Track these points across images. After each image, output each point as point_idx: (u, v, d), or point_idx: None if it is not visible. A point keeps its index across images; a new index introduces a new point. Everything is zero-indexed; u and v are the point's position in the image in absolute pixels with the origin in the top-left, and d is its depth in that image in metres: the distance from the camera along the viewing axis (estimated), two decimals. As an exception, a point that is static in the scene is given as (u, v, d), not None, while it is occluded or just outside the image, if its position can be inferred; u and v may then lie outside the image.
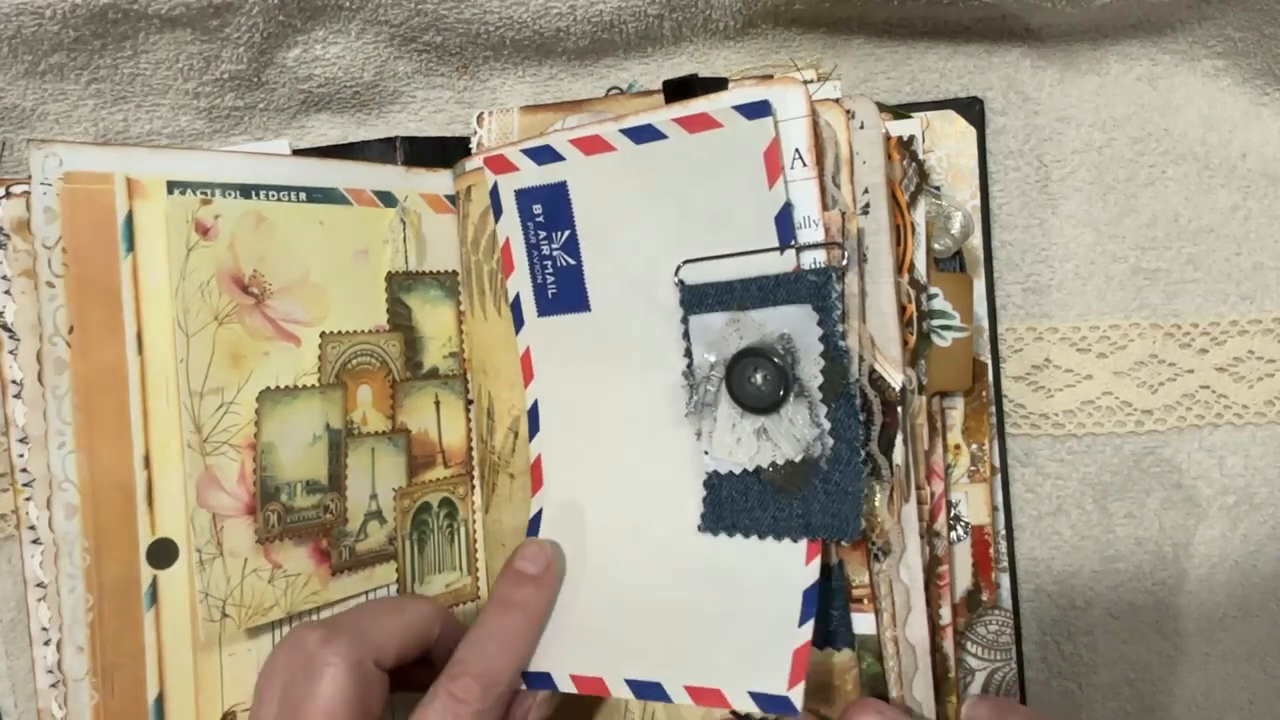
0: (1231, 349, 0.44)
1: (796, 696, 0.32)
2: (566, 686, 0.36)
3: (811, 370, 0.35)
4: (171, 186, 0.38)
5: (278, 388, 0.40)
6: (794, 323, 0.35)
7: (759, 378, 0.35)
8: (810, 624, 0.33)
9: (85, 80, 0.43)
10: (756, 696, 0.33)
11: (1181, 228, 0.44)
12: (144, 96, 0.44)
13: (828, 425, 0.34)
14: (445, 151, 0.45)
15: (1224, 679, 0.45)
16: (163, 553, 0.39)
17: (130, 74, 0.43)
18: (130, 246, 0.38)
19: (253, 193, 0.40)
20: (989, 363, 0.43)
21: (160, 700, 0.39)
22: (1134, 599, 0.45)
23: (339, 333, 0.42)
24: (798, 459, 0.35)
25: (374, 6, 0.43)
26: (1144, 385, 0.45)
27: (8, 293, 0.41)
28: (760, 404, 0.35)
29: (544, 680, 0.37)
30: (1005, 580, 0.43)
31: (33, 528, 0.42)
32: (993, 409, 0.43)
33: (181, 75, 0.44)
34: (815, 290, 0.34)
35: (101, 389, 0.38)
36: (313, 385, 0.41)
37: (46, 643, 0.42)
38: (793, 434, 0.35)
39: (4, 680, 0.45)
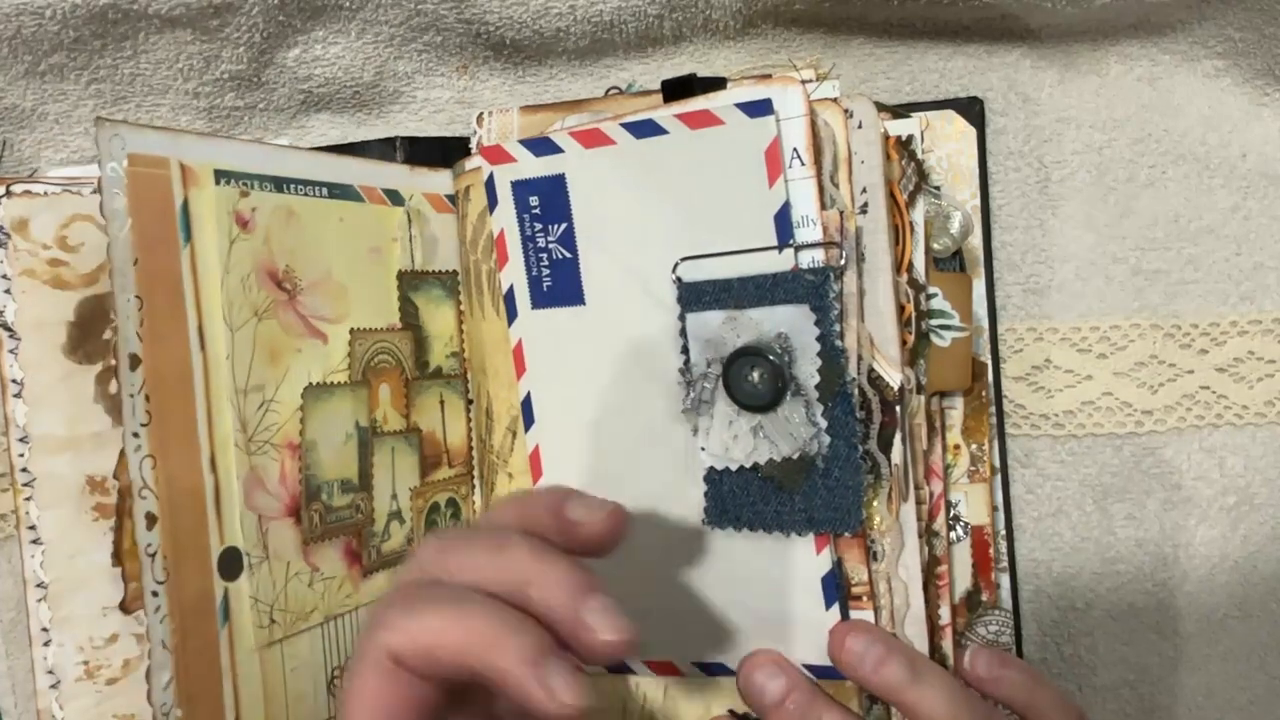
0: (1231, 349, 0.44)
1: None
2: (641, 670, 0.40)
3: (808, 370, 0.35)
4: (218, 176, 0.37)
5: (318, 384, 0.39)
6: (791, 322, 0.35)
7: (756, 376, 0.35)
8: (836, 605, 0.36)
9: (85, 80, 0.43)
10: (811, 668, 0.37)
11: (1181, 228, 0.44)
12: (144, 96, 0.44)
13: (824, 424, 0.35)
14: (445, 151, 0.45)
15: (1224, 679, 0.45)
16: (232, 563, 0.36)
17: (130, 74, 0.43)
18: (188, 236, 0.36)
19: (284, 186, 0.39)
20: (989, 363, 0.43)
21: None
22: (1134, 600, 0.45)
23: (364, 329, 0.41)
24: (795, 456, 0.35)
25: (374, 6, 0.43)
26: (1144, 386, 0.45)
27: (8, 292, 0.41)
28: (757, 402, 0.35)
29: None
30: (1005, 581, 0.43)
31: (33, 527, 0.42)
32: (993, 409, 0.43)
33: (181, 75, 0.44)
34: (812, 290, 0.34)
35: (170, 387, 0.35)
36: (344, 382, 0.41)
37: (46, 644, 0.42)
38: (789, 432, 0.35)
39: (4, 680, 0.45)
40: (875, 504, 0.36)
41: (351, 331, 0.41)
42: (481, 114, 0.45)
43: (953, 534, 0.41)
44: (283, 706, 0.38)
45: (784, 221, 0.35)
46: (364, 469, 0.41)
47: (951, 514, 0.42)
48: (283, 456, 0.38)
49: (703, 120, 0.35)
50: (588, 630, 0.27)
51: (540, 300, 0.41)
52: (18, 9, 0.39)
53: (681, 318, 0.37)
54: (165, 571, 0.34)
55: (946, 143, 0.43)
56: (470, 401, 0.46)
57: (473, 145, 0.45)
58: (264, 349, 0.38)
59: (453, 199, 0.45)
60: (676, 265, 0.37)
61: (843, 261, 0.35)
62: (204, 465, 0.36)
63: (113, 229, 0.34)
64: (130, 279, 0.34)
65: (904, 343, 0.37)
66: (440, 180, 0.45)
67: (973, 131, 0.43)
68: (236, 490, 0.36)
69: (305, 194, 0.40)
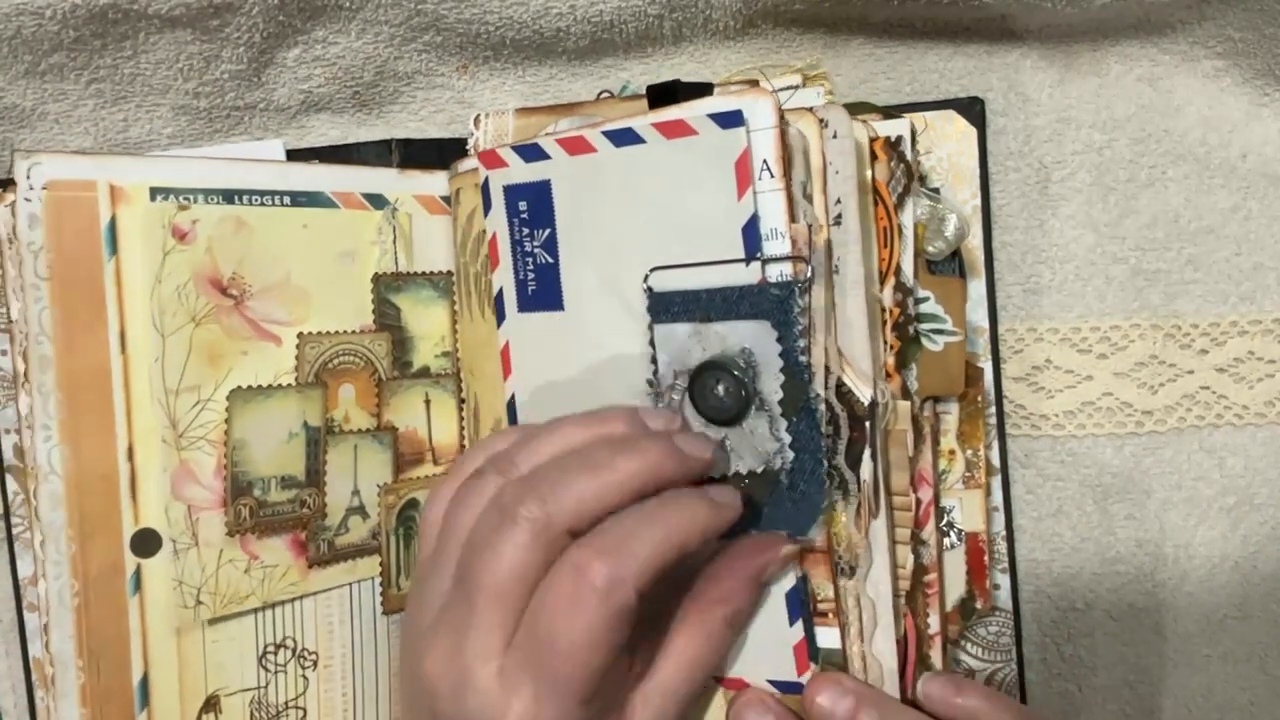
0: (1231, 350, 0.44)
1: (806, 679, 0.36)
2: None
3: (772, 385, 0.35)
4: (155, 193, 0.40)
5: (249, 387, 0.41)
6: (754, 337, 0.35)
7: (721, 390, 0.35)
8: (800, 622, 0.36)
9: (85, 80, 0.43)
10: (776, 683, 0.37)
11: (1182, 228, 0.44)
12: (144, 96, 0.44)
13: (788, 439, 0.35)
14: (442, 153, 0.45)
15: (1224, 680, 0.45)
16: (146, 542, 0.40)
17: (130, 74, 0.43)
18: (114, 250, 0.39)
19: (235, 198, 0.41)
20: (990, 364, 0.43)
21: (145, 682, 0.40)
22: (1134, 600, 0.45)
23: (318, 333, 0.43)
24: (759, 470, 0.35)
25: (374, 6, 0.43)
26: (1144, 386, 0.45)
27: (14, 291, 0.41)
28: (722, 416, 0.35)
29: None
30: (1005, 581, 0.43)
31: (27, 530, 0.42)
32: (991, 410, 0.43)
33: (181, 75, 0.44)
34: (776, 304, 0.34)
35: (87, 385, 0.39)
36: (288, 384, 0.42)
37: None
38: (754, 446, 0.35)
39: (4, 680, 0.45)
40: (843, 520, 0.35)
41: (300, 336, 0.42)
42: (478, 115, 0.45)
43: (946, 541, 0.41)
44: (201, 671, 0.41)
45: (752, 234, 0.35)
46: (313, 466, 0.43)
47: (945, 521, 0.41)
48: (219, 451, 0.41)
49: (677, 130, 0.35)
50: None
51: (525, 304, 0.41)
52: (18, 9, 0.39)
53: (651, 328, 0.37)
54: (70, 543, 0.39)
55: (946, 143, 0.43)
56: (463, 400, 0.46)
57: (469, 147, 0.45)
58: (201, 352, 0.40)
59: (449, 200, 0.45)
60: (648, 275, 0.37)
61: (809, 276, 0.34)
62: (120, 455, 0.39)
63: (24, 251, 0.38)
64: (44, 292, 0.38)
65: (888, 347, 0.36)
66: (435, 182, 0.45)
67: (973, 131, 0.43)
68: (161, 481, 0.40)
69: (262, 204, 0.42)
